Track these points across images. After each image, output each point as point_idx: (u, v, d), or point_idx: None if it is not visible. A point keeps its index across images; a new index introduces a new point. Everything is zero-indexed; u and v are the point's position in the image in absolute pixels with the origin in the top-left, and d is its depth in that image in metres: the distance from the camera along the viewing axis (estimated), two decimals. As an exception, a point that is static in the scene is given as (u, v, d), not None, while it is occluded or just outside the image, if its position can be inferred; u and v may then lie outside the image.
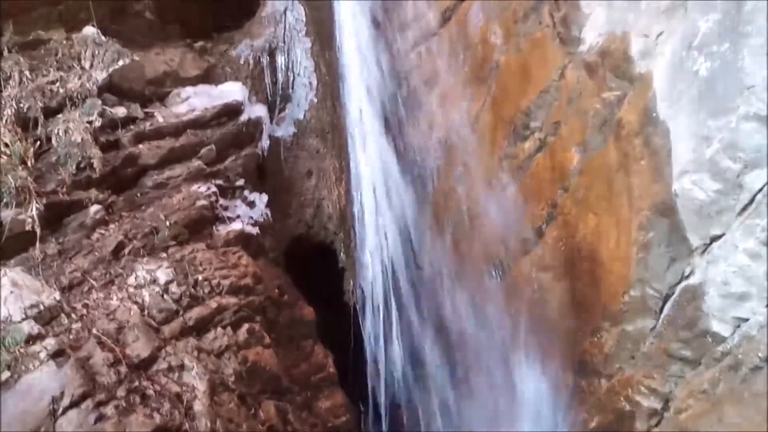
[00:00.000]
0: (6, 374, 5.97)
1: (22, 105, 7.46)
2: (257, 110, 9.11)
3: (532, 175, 7.95)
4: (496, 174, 8.27)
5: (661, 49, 6.78)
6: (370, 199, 9.10)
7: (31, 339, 6.19)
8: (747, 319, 6.03)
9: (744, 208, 5.92)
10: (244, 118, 8.79)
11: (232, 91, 8.89)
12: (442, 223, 9.02)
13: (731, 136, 5.89)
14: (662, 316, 6.68)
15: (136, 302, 6.94)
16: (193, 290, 7.24)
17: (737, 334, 6.10)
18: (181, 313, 7.07)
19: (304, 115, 9.68)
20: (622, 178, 6.92)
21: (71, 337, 6.43)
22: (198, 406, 6.63)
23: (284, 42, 9.63)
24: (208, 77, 9.19)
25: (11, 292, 6.37)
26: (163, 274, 7.18)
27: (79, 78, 7.88)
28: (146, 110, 8.29)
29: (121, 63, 8.15)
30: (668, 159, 6.45)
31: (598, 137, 7.27)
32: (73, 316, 6.61)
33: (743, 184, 5.88)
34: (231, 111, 8.71)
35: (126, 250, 7.37)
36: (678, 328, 6.49)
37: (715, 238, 6.14)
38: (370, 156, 9.11)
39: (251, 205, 8.61)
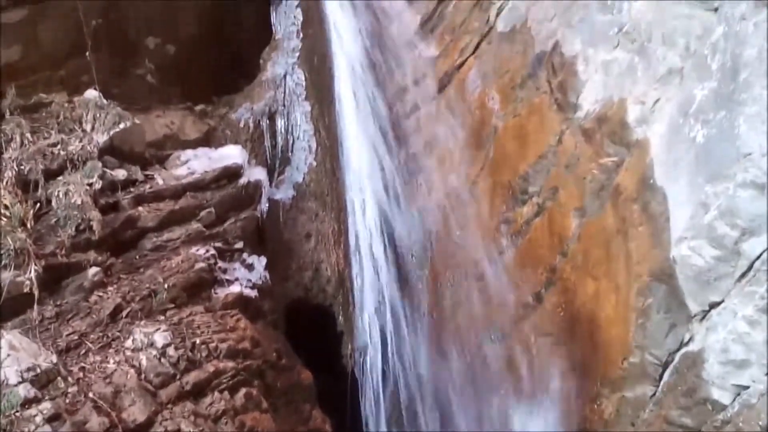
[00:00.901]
0: (1, 438, 5.92)
1: (23, 167, 7.48)
2: (257, 173, 9.14)
3: (530, 239, 7.97)
4: (495, 238, 8.30)
5: (658, 115, 6.85)
6: (369, 263, 9.11)
7: (27, 403, 6.12)
8: (747, 387, 5.99)
9: (743, 275, 5.93)
10: (243, 181, 8.81)
11: (231, 154, 8.93)
12: (441, 286, 9.01)
13: (729, 203, 5.92)
14: (662, 382, 6.65)
15: (133, 366, 6.88)
16: (190, 354, 7.17)
17: (737, 402, 6.05)
18: (178, 377, 6.99)
19: (303, 178, 9.72)
20: (621, 243, 6.94)
21: (67, 401, 6.36)
22: (195, 472, 6.57)
23: (284, 106, 9.71)
24: (208, 140, 9.24)
25: (8, 355, 6.32)
26: (160, 338, 7.12)
27: (80, 140, 7.92)
28: (146, 173, 8.31)
29: (122, 126, 8.20)
30: (666, 225, 6.48)
31: (596, 202, 7.31)
32: (69, 379, 6.55)
33: (741, 251, 5.90)
34: (231, 174, 8.74)
35: (124, 313, 7.32)
36: (678, 395, 6.45)
37: (714, 305, 6.13)
38: (368, 219, 9.13)
39: (250, 267, 8.59)
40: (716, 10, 6.47)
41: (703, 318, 6.23)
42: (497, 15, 9.03)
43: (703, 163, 6.19)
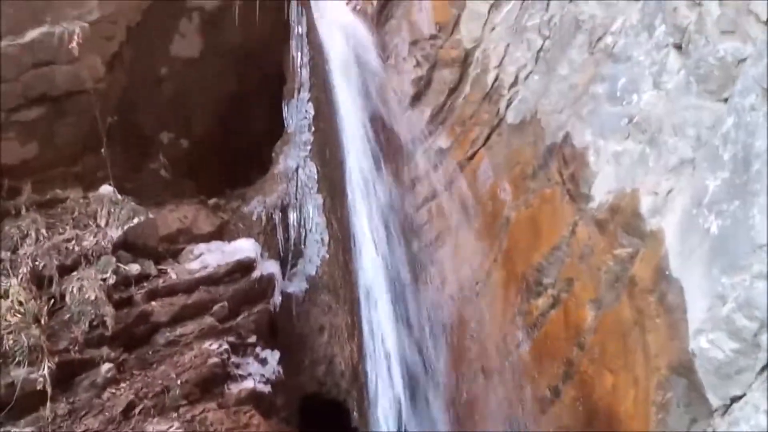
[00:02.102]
0: None
1: (37, 263, 7.52)
2: (269, 266, 9.15)
3: (546, 332, 7.91)
4: (510, 331, 8.25)
5: (671, 206, 6.83)
6: (383, 356, 9.04)
7: (39, 505, 6.06)
8: (772, 484, 5.85)
9: (763, 368, 5.81)
10: (256, 274, 8.82)
11: (244, 247, 8.95)
12: (456, 381, 8.94)
13: (746, 295, 5.85)
14: (685, 479, 6.49)
15: (146, 465, 6.82)
16: (204, 452, 7.12)
17: (763, 499, 5.91)
18: (190, 477, 6.93)
19: (316, 271, 9.69)
20: (638, 335, 6.86)
21: (80, 502, 6.30)
22: None
23: (296, 199, 9.75)
24: (221, 234, 9.26)
25: (20, 455, 6.28)
26: (173, 436, 7.08)
27: (95, 236, 7.97)
28: (160, 267, 8.34)
29: (136, 221, 8.27)
30: (684, 317, 6.39)
31: (611, 294, 7.26)
32: (82, 480, 6.50)
33: (761, 344, 5.80)
34: (244, 267, 8.75)
35: (137, 410, 7.27)
36: (702, 491, 6.30)
37: (735, 399, 6.00)
38: (382, 312, 9.10)
39: (263, 362, 8.54)
40: (726, 100, 6.51)
41: (725, 412, 6.10)
42: (507, 107, 9.14)
43: (718, 255, 6.14)
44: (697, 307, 6.27)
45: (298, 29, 9.80)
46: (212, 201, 9.68)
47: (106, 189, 8.39)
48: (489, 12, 9.53)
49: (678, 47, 6.99)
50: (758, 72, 6.02)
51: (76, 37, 7.95)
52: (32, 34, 7.84)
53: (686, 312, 6.38)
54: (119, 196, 8.36)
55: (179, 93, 9.31)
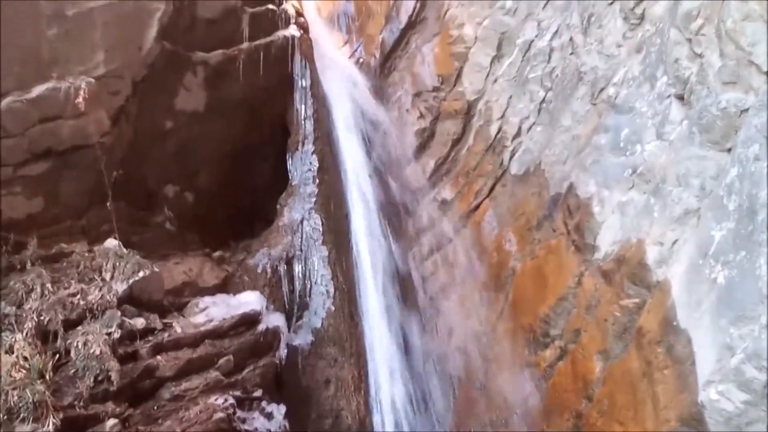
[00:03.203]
0: None
1: (42, 318, 7.52)
2: (275, 319, 9.13)
3: (554, 384, 7.85)
4: (518, 383, 8.18)
5: (677, 256, 6.81)
6: (390, 410, 8.97)
7: None
8: None
9: (774, 420, 5.79)
10: (262, 327, 8.81)
11: (250, 300, 8.95)
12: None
13: (755, 346, 5.80)
14: None
15: None
16: None
17: None
18: None
19: (322, 324, 9.66)
20: (647, 387, 6.80)
21: None
22: None
23: (301, 251, 9.75)
24: (226, 286, 9.26)
25: None
26: (179, 493, 7.00)
27: (100, 290, 7.97)
28: (165, 321, 8.33)
29: (141, 274, 8.26)
30: (692, 368, 6.33)
31: (619, 345, 7.21)
32: None
33: (771, 396, 5.77)
34: (249, 321, 8.74)
35: (141, 468, 7.22)
36: None
37: (747, 452, 5.97)
38: (388, 365, 9.05)
39: (269, 416, 8.49)
40: (729, 150, 6.52)
41: (737, 466, 6.06)
42: (511, 158, 9.18)
43: (725, 305, 6.10)
44: (706, 358, 6.22)
45: (302, 82, 9.87)
46: (217, 253, 9.69)
47: (112, 242, 8.40)
48: (491, 64, 9.61)
49: (680, 98, 7.02)
50: (761, 122, 6.03)
51: (82, 92, 8.01)
52: (39, 90, 7.91)
53: (695, 363, 6.32)
54: (124, 250, 8.36)
55: (184, 146, 9.36)
